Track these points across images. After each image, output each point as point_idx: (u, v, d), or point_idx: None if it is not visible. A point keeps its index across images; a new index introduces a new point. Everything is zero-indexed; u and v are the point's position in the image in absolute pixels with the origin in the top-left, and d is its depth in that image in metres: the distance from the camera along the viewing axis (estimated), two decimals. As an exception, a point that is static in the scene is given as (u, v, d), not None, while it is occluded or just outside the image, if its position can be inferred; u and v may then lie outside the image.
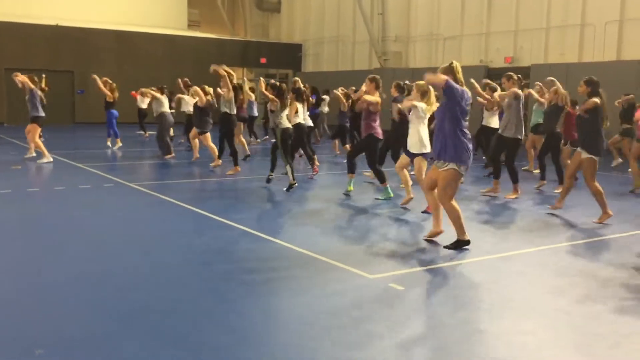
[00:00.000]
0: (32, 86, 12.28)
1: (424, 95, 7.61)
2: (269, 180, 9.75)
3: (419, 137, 7.67)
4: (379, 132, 8.63)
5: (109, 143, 15.27)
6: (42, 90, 13.04)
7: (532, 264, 5.63)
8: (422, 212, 7.65)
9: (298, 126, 10.22)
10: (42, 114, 12.30)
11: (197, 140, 12.61)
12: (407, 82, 9.61)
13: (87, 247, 5.95)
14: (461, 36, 22.55)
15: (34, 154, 12.42)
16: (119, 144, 15.17)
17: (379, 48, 24.44)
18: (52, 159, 12.06)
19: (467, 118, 5.96)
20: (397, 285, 4.83)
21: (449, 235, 6.15)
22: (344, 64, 27.24)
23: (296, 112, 10.39)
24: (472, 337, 3.90)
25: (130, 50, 25.05)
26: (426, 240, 6.31)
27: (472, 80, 10.68)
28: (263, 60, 28.59)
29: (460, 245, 5.99)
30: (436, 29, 23.38)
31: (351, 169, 9.07)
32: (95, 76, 15.21)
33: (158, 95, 13.36)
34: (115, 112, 15.13)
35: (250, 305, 4.43)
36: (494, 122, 10.89)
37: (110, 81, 15.47)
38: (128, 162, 12.93)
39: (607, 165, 12.83)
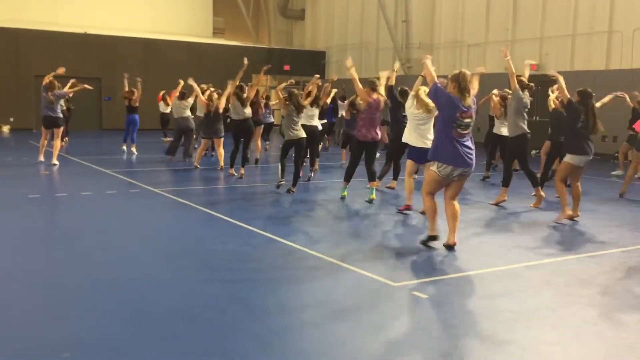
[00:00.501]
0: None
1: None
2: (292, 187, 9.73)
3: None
4: (361, 134, 8.91)
5: (124, 147, 15.40)
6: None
7: (558, 273, 5.56)
8: (420, 213, 7.85)
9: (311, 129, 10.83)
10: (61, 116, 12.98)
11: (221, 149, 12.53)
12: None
13: (111, 252, 6.02)
14: (485, 43, 22.41)
15: (57, 163, 12.57)
16: (130, 149, 15.25)
17: (402, 55, 24.41)
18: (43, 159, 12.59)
19: (465, 128, 6.05)
20: (420, 293, 4.81)
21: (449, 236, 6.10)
22: (367, 71, 27.23)
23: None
24: (498, 347, 3.86)
25: (156, 57, 25.37)
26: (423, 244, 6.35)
27: (495, 92, 10.74)
28: (287, 68, 28.73)
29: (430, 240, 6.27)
30: (460, 36, 23.28)
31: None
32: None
33: (200, 95, 12.94)
34: (137, 118, 15.19)
35: (273, 311, 4.45)
36: (505, 131, 10.77)
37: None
38: (154, 168, 13.07)
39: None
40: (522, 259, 6.04)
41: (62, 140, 15.15)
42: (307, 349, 3.77)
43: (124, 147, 15.47)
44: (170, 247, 6.32)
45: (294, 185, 9.69)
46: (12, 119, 22.82)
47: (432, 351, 3.74)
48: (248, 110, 11.56)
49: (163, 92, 19.25)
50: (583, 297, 4.89)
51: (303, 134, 9.75)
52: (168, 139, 19.31)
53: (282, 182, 9.82)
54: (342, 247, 6.28)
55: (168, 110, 18.09)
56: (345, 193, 9.28)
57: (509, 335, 4.04)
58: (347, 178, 9.24)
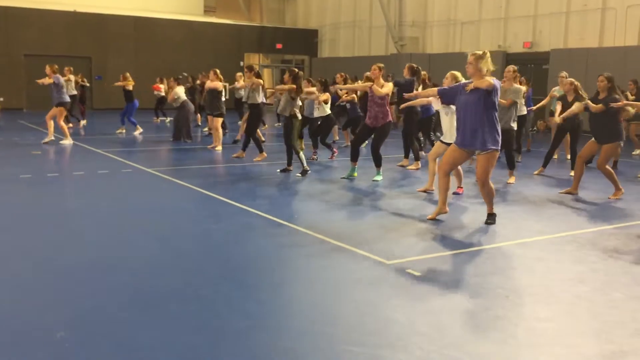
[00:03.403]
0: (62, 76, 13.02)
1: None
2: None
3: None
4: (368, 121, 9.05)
5: (122, 131, 15.41)
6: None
7: (551, 250, 5.60)
8: (453, 193, 7.87)
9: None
10: (68, 99, 13.18)
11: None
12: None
13: (104, 232, 6.01)
14: (479, 21, 22.29)
15: (53, 138, 12.71)
16: (139, 129, 15.29)
17: (395, 33, 24.24)
18: (72, 141, 12.68)
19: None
20: (414, 271, 4.83)
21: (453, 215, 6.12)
22: (360, 49, 27.08)
23: (326, 102, 11.17)
24: (490, 323, 3.89)
25: (148, 36, 25.13)
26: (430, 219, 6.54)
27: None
28: (279, 46, 28.53)
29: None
30: (454, 14, 23.14)
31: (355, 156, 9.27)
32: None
33: (176, 90, 13.81)
34: (136, 102, 15.36)
35: (267, 291, 4.46)
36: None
37: (128, 75, 15.49)
38: (146, 147, 13.01)
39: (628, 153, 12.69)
40: (515, 236, 6.07)
41: (79, 120, 16.24)
42: (301, 328, 3.78)
43: (136, 133, 15.32)
44: (163, 226, 6.31)
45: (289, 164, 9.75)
46: (1, 99, 22.61)
47: (424, 327, 3.76)
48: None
49: (158, 80, 19.39)
50: (575, 274, 4.93)
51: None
52: (160, 118, 19.38)
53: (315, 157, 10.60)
54: (337, 226, 6.29)
55: (163, 93, 18.24)
56: (356, 174, 9.30)
57: (502, 311, 4.07)
58: (354, 158, 9.23)
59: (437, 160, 7.88)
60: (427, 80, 12.65)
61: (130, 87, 15.25)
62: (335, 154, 11.36)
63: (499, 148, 6.25)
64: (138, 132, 15.22)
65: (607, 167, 8.04)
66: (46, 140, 12.70)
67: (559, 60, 18.86)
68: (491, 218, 6.51)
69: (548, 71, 19.47)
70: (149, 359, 3.31)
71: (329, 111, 11.38)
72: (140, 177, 9.24)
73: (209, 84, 12.36)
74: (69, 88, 15.57)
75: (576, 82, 9.29)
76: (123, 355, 3.34)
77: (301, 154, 9.53)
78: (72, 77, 16.13)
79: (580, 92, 8.94)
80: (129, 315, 3.89)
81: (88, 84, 16.50)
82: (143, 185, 8.76)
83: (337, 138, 14.03)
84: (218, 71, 12.39)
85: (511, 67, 9.09)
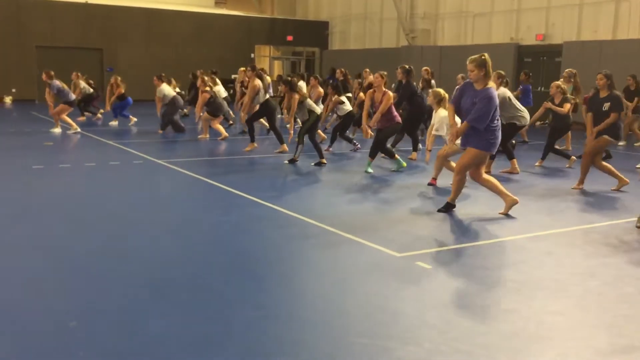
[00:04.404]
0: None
1: (439, 102, 8.30)
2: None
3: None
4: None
5: (115, 123, 15.49)
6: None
7: (561, 244, 5.57)
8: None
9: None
10: (73, 97, 13.60)
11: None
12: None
13: (115, 222, 6.04)
14: (491, 13, 22.11)
15: (78, 128, 13.38)
16: (133, 120, 15.52)
17: (407, 25, 24.10)
18: (79, 129, 13.22)
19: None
20: (424, 264, 4.83)
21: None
22: (371, 41, 26.96)
23: (341, 102, 11.30)
24: (501, 317, 3.88)
25: (159, 27, 25.14)
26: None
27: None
28: (289, 38, 28.45)
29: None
30: (465, 5, 22.95)
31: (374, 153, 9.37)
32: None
33: (160, 88, 13.93)
34: (130, 100, 15.49)
35: (278, 282, 4.48)
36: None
37: (118, 80, 15.61)
38: (157, 139, 13.05)
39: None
40: (526, 230, 6.04)
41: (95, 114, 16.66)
42: (311, 319, 3.79)
43: (130, 124, 15.54)
44: (174, 217, 6.34)
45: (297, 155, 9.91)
46: (14, 90, 22.74)
47: (434, 320, 3.76)
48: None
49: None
50: (586, 268, 4.90)
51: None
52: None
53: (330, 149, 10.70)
54: (347, 218, 6.29)
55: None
56: (404, 164, 9.55)
57: (513, 305, 4.06)
58: (373, 154, 9.29)
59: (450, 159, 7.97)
60: (430, 77, 12.84)
61: (122, 91, 15.41)
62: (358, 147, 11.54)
63: (488, 150, 6.36)
64: (132, 122, 15.43)
65: (603, 163, 8.17)
66: (72, 131, 13.19)
67: (572, 53, 18.70)
68: (446, 207, 6.63)
69: (561, 64, 19.31)
70: (159, 349, 3.33)
71: (349, 108, 11.51)
72: (151, 168, 9.28)
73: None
74: (84, 87, 16.08)
75: (563, 86, 9.80)
76: (134, 345, 3.36)
77: (300, 146, 9.80)
78: (81, 82, 16.27)
79: (567, 94, 9.66)
80: (140, 305, 3.92)
81: (92, 90, 16.77)
82: (154, 176, 8.80)
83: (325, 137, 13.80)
84: (206, 78, 13.13)
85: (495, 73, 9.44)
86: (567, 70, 11.92)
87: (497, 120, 6.33)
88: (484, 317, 3.87)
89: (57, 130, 13.35)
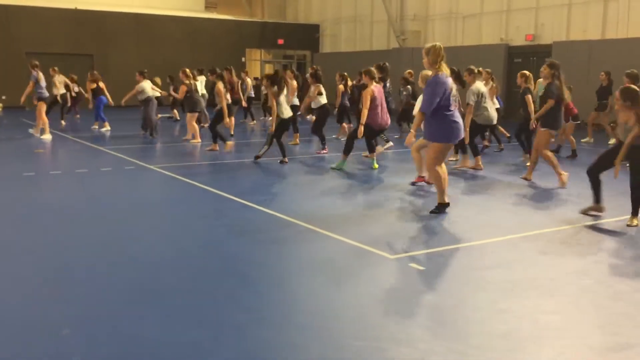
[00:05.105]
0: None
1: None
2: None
3: None
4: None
5: (96, 127, 15.58)
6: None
7: (554, 243, 5.57)
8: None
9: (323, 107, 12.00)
10: (47, 94, 13.59)
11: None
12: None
13: (107, 229, 6.00)
14: (481, 14, 22.19)
15: (39, 134, 13.44)
16: (107, 127, 15.37)
17: (397, 27, 24.16)
18: (39, 136, 13.30)
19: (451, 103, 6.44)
20: (417, 265, 4.81)
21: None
22: (362, 44, 27.01)
23: (320, 93, 11.79)
24: (495, 316, 3.87)
25: (149, 32, 25.09)
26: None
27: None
28: (280, 42, 28.46)
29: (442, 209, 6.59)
30: (455, 7, 23.04)
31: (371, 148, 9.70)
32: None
33: (141, 84, 13.95)
34: (103, 98, 15.59)
35: (269, 285, 4.45)
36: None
37: (95, 73, 16.07)
38: (148, 145, 13.00)
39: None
40: (519, 229, 6.04)
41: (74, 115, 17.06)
42: (303, 322, 3.77)
43: (96, 126, 15.65)
44: (166, 223, 6.31)
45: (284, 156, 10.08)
46: (4, 97, 22.61)
47: (428, 321, 3.74)
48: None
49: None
50: (580, 266, 4.90)
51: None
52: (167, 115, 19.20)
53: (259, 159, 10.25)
54: (340, 220, 6.27)
55: (158, 93, 18.21)
56: (377, 165, 9.68)
57: (507, 304, 4.05)
58: (372, 149, 9.71)
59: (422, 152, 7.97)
60: (410, 78, 13.23)
61: (94, 86, 15.64)
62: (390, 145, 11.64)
63: (448, 141, 6.49)
64: (105, 128, 15.30)
65: (546, 152, 8.32)
66: (32, 130, 13.60)
67: (562, 53, 18.76)
68: (437, 208, 6.58)
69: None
70: (152, 354, 3.30)
71: (324, 101, 12.06)
72: (142, 174, 9.23)
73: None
74: (57, 86, 16.35)
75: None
76: (126, 350, 3.33)
77: (266, 147, 10.07)
78: (58, 78, 16.35)
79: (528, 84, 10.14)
80: (132, 311, 3.88)
81: (74, 93, 17.03)
82: (145, 182, 8.76)
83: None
84: (187, 70, 13.06)
85: (470, 68, 9.65)
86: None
87: (452, 109, 6.38)
88: (478, 317, 3.85)
89: (47, 136, 13.22)
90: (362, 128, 9.01)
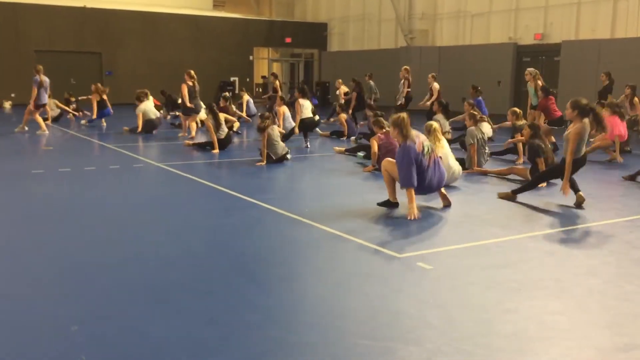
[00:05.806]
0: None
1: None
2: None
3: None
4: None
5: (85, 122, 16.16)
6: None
7: (562, 243, 5.57)
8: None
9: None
10: (43, 101, 14.16)
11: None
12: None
13: (116, 227, 6.04)
14: (489, 13, 22.14)
15: (26, 128, 14.14)
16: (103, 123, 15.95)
17: (405, 26, 24.13)
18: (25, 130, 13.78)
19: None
20: (425, 264, 4.82)
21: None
22: (370, 42, 26.99)
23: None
24: (502, 317, 3.87)
25: (157, 31, 25.18)
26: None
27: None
28: (288, 40, 28.48)
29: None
30: (464, 5, 22.99)
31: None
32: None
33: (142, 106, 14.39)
34: (107, 111, 15.99)
35: (278, 284, 4.47)
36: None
37: (100, 86, 16.32)
38: (157, 143, 13.06)
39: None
40: (526, 230, 6.04)
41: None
42: (311, 321, 3.79)
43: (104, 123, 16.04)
44: (174, 221, 6.33)
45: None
46: (13, 95, 22.75)
47: (435, 321, 3.76)
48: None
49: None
50: (587, 267, 4.90)
51: None
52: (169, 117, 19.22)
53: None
54: (347, 219, 6.28)
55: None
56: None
57: (513, 305, 4.06)
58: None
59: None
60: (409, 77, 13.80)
61: (99, 99, 15.89)
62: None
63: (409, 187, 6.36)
64: (88, 121, 15.89)
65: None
66: (18, 129, 14.09)
67: (570, 52, 18.72)
68: (385, 203, 6.73)
69: (559, 63, 19.33)
70: (160, 353, 3.32)
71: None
72: (151, 172, 9.28)
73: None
74: (51, 109, 16.32)
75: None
76: (135, 349, 3.36)
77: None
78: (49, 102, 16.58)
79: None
80: (140, 309, 3.91)
81: (73, 109, 17.61)
82: (154, 180, 8.80)
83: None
84: (192, 72, 13.39)
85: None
86: (528, 69, 11.84)
87: (426, 165, 6.36)
88: (485, 317, 3.86)
89: (20, 129, 13.94)
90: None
